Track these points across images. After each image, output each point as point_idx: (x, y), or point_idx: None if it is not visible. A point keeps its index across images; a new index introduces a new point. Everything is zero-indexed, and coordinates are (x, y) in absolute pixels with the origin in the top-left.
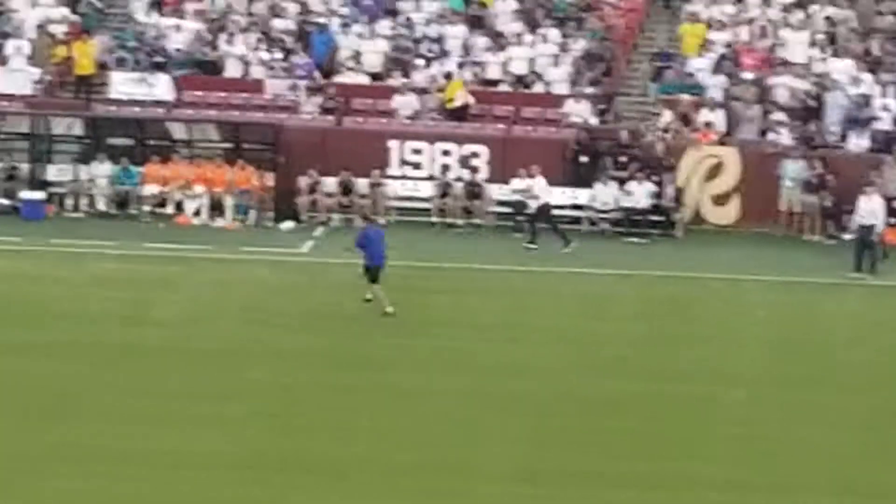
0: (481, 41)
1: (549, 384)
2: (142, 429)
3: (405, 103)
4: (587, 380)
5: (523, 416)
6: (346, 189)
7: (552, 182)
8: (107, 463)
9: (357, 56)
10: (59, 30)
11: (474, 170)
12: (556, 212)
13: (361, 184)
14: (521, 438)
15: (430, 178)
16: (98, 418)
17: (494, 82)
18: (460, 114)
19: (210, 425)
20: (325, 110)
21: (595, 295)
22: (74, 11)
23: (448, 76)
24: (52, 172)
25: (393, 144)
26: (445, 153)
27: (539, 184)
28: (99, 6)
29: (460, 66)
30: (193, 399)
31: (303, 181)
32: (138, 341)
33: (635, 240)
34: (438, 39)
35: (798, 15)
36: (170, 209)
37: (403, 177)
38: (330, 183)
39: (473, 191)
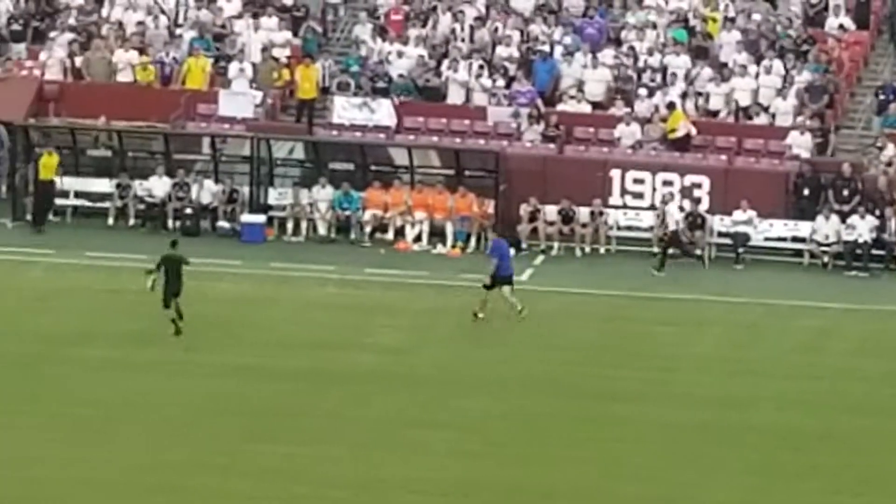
0: (705, 72)
1: (775, 418)
2: (347, 453)
3: (628, 132)
4: (811, 414)
5: (750, 448)
6: (567, 217)
7: (773, 215)
8: (312, 485)
9: (580, 85)
10: (281, 53)
11: (696, 200)
12: (776, 244)
13: (582, 212)
14: (747, 471)
15: (652, 207)
16: (309, 441)
17: (717, 113)
18: (682, 144)
19: (422, 452)
20: (547, 138)
21: (817, 329)
22: (297, 35)
23: (671, 106)
24: (273, 196)
25: (615, 174)
26: (667, 183)
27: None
28: (321, 31)
29: (683, 96)
30: (402, 425)
31: (523, 209)
32: (354, 366)
33: (857, 274)
34: (661, 69)
35: None
36: (390, 235)
37: (625, 206)
38: (550, 211)
39: (695, 221)
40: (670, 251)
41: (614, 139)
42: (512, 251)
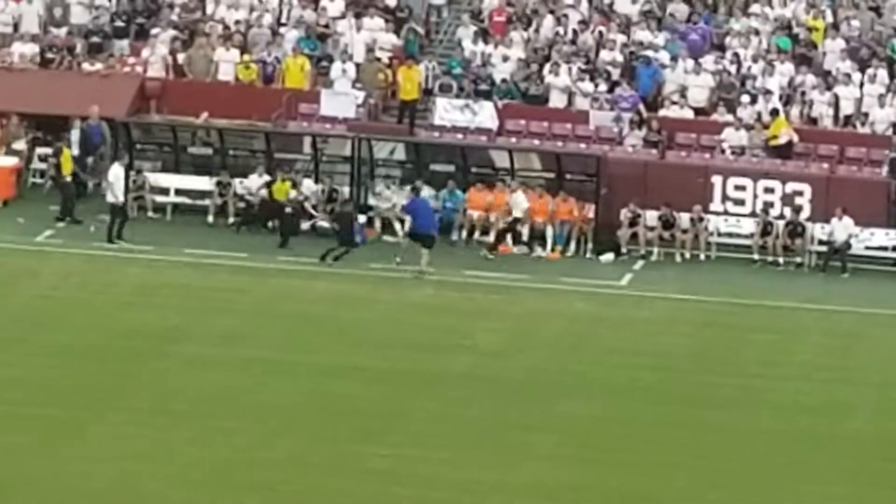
0: (808, 79)
1: (872, 426)
2: (449, 455)
3: (734, 137)
4: None
5: (845, 456)
6: (668, 223)
7: (876, 224)
8: (413, 487)
9: (682, 90)
10: (384, 54)
11: (797, 209)
12: (879, 254)
13: (683, 218)
14: (841, 480)
15: (753, 214)
16: (411, 443)
17: (818, 121)
18: (784, 151)
19: (522, 456)
20: (648, 143)
21: None
22: (400, 36)
23: (774, 113)
24: (375, 196)
25: (716, 180)
26: (768, 190)
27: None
28: (423, 32)
29: (786, 103)
30: (502, 428)
31: (623, 213)
32: (454, 369)
33: None
34: (765, 76)
35: None
36: (492, 237)
37: (725, 213)
38: (651, 216)
39: (796, 230)
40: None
41: (716, 145)
42: (612, 255)
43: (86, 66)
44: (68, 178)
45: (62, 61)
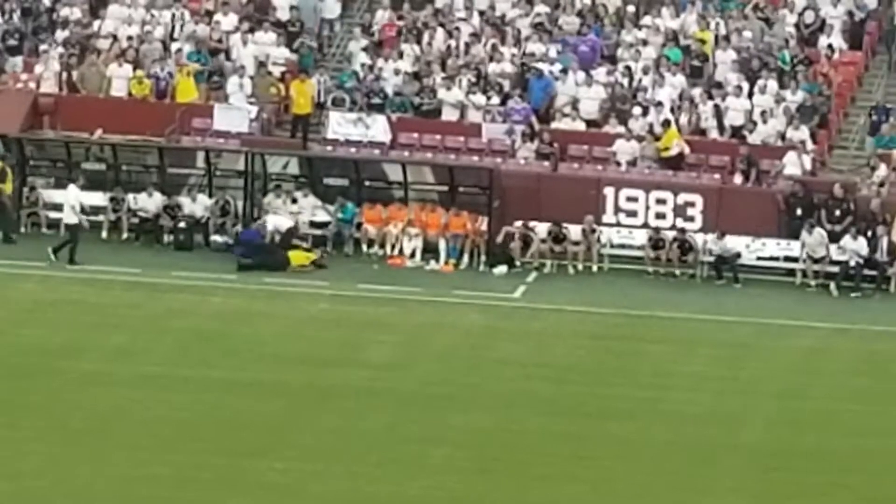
0: (699, 91)
1: (765, 436)
2: (344, 468)
3: (626, 149)
4: (802, 433)
5: (739, 467)
6: (557, 237)
7: (767, 234)
8: (306, 501)
9: (574, 102)
10: (277, 68)
11: (681, 228)
12: (769, 264)
13: (575, 230)
14: (738, 491)
15: (645, 226)
16: (304, 457)
17: (709, 132)
18: (675, 163)
19: (417, 468)
20: (541, 156)
21: (810, 349)
22: (293, 50)
23: (666, 124)
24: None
25: (608, 191)
26: (660, 202)
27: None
28: (316, 46)
29: (677, 114)
30: (397, 441)
31: (514, 228)
32: (345, 382)
33: (850, 294)
34: (655, 88)
35: None
36: (387, 250)
37: (618, 224)
38: (542, 229)
39: (684, 245)
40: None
41: (609, 157)
42: (505, 268)
43: None
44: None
45: None
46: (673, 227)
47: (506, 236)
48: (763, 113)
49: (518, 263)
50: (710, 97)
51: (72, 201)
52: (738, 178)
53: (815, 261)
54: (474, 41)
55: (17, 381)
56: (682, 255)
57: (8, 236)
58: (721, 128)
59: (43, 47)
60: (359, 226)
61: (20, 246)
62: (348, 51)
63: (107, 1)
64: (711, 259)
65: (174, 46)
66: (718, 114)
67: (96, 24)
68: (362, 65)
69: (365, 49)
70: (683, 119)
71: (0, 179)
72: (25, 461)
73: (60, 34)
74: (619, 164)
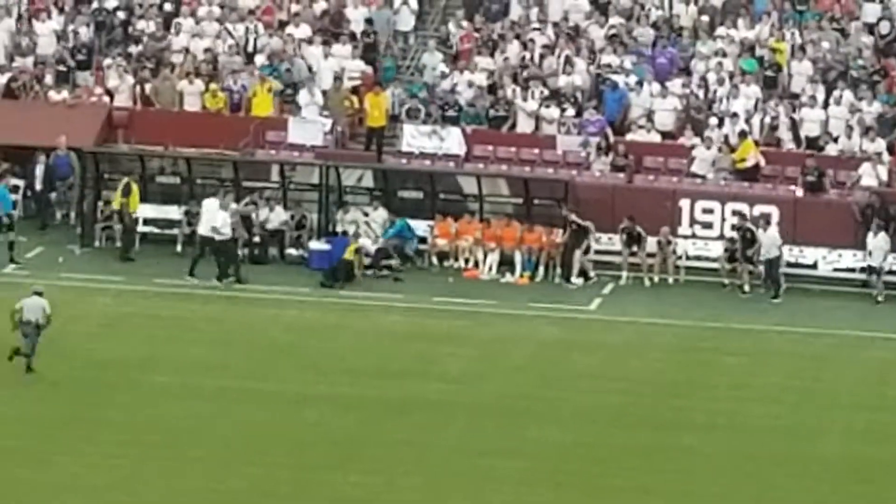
0: (774, 102)
1: (843, 448)
2: (419, 482)
3: (705, 156)
4: (881, 445)
5: (816, 479)
6: (632, 236)
7: (843, 245)
8: None
9: (649, 114)
10: (352, 81)
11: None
12: (846, 275)
13: (650, 242)
14: (812, 503)
15: (721, 237)
16: (379, 470)
17: (782, 142)
18: (751, 174)
19: (492, 480)
20: (616, 168)
21: (887, 360)
22: (368, 63)
23: (742, 135)
24: (342, 223)
25: (684, 203)
26: (737, 213)
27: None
28: (392, 58)
29: (752, 126)
30: (472, 454)
31: (592, 238)
32: (420, 395)
33: None
34: (730, 99)
35: None
36: (460, 262)
37: (694, 236)
38: (619, 240)
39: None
40: None
41: (683, 168)
42: (581, 280)
43: (52, 95)
44: (135, 216)
45: (28, 91)
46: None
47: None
48: (839, 124)
49: (593, 276)
50: (786, 108)
51: (220, 215)
52: (799, 192)
53: (876, 271)
54: (548, 53)
55: (93, 395)
56: (745, 247)
57: (126, 254)
58: (797, 139)
59: (107, 61)
60: (424, 240)
61: (95, 260)
62: (422, 63)
63: (180, 14)
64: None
65: (255, 60)
66: (794, 125)
67: (170, 37)
68: (435, 77)
69: (439, 61)
70: (758, 130)
71: (124, 194)
72: (102, 475)
73: (134, 48)
74: (696, 175)
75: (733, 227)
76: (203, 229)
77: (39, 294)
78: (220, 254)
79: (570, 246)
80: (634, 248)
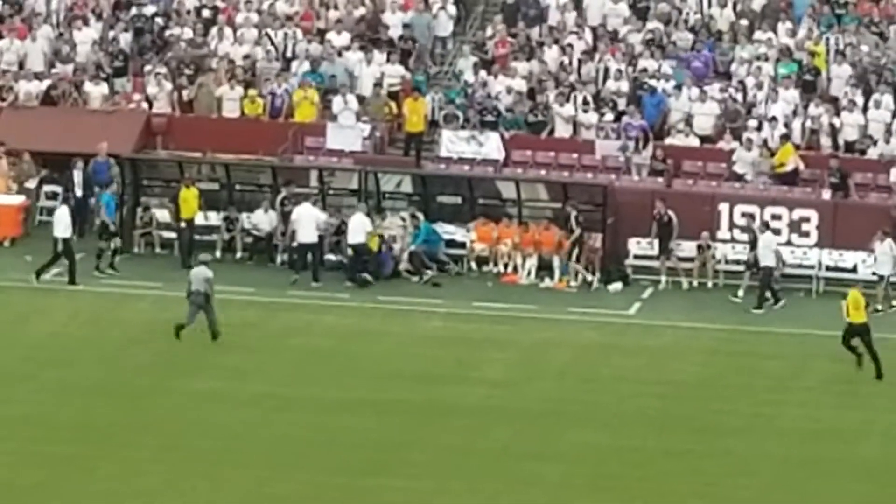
0: (814, 106)
1: (882, 452)
2: (462, 486)
3: (746, 157)
4: None
5: (856, 482)
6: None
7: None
8: None
9: (688, 118)
10: (390, 87)
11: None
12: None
13: (688, 246)
14: None
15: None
16: (423, 474)
17: (823, 147)
18: (790, 178)
19: (535, 484)
20: (655, 172)
21: None
22: (407, 69)
23: (784, 138)
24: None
25: (723, 207)
26: (776, 217)
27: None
28: (430, 64)
29: (791, 130)
30: (514, 458)
31: (632, 243)
32: (461, 399)
33: None
34: (769, 103)
35: None
36: (499, 267)
37: (733, 240)
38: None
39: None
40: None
41: (723, 171)
42: (620, 285)
43: (91, 102)
44: (183, 224)
45: (68, 98)
46: (788, 243)
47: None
48: (878, 128)
49: (632, 280)
50: (825, 112)
51: (365, 224)
52: (826, 193)
53: (882, 279)
54: (587, 58)
55: (134, 400)
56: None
57: (186, 261)
58: (835, 143)
59: (147, 68)
60: (462, 244)
61: (134, 266)
62: (458, 68)
63: (218, 21)
64: (829, 274)
65: (291, 66)
66: (833, 129)
67: (209, 43)
68: (473, 82)
69: (474, 66)
70: (799, 134)
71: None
72: (144, 481)
73: (173, 54)
74: (736, 178)
75: (742, 230)
76: (304, 237)
77: (205, 263)
78: (313, 255)
79: (571, 245)
80: (666, 244)
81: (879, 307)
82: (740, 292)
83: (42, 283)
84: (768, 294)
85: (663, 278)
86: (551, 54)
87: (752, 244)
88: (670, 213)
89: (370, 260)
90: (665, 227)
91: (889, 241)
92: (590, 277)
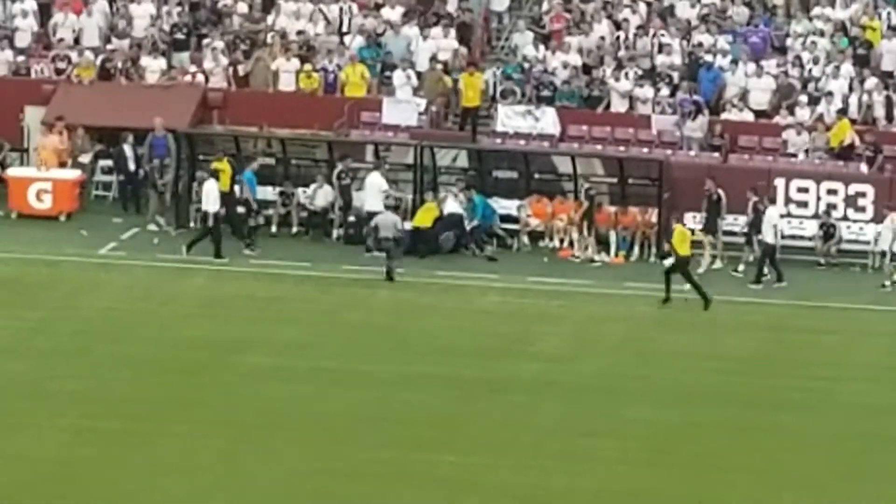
0: (869, 81)
1: None
2: (516, 461)
3: (796, 141)
4: None
5: None
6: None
7: None
8: (479, 495)
9: (744, 94)
10: (447, 62)
11: (828, 211)
12: None
13: (744, 221)
14: None
15: (816, 216)
16: (476, 450)
17: (879, 122)
18: (846, 153)
19: (589, 461)
20: (711, 147)
21: None
22: (462, 43)
23: (841, 112)
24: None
25: (779, 182)
26: (832, 192)
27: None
28: (486, 39)
29: (848, 104)
30: (569, 434)
31: (688, 217)
32: (516, 374)
33: None
34: (826, 78)
35: None
36: (555, 242)
37: (789, 215)
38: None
39: (829, 231)
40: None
41: (778, 147)
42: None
43: (148, 77)
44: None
45: (124, 73)
46: (845, 219)
47: None
48: None
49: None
50: (880, 87)
51: (380, 186)
52: (863, 166)
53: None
54: (642, 33)
55: (188, 376)
56: (824, 241)
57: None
58: (891, 118)
59: (214, 41)
60: (516, 220)
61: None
62: (514, 43)
63: None
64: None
65: (346, 41)
66: (889, 103)
67: (266, 18)
68: (528, 57)
69: (531, 41)
70: (855, 109)
71: (216, 177)
72: (198, 456)
73: (230, 28)
74: (793, 155)
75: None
76: (371, 206)
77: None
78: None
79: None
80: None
81: (887, 283)
82: (741, 266)
83: (98, 257)
84: (766, 270)
85: (707, 254)
86: (606, 30)
87: (755, 221)
88: (720, 191)
89: (426, 239)
90: (714, 205)
91: (893, 215)
92: (599, 254)
